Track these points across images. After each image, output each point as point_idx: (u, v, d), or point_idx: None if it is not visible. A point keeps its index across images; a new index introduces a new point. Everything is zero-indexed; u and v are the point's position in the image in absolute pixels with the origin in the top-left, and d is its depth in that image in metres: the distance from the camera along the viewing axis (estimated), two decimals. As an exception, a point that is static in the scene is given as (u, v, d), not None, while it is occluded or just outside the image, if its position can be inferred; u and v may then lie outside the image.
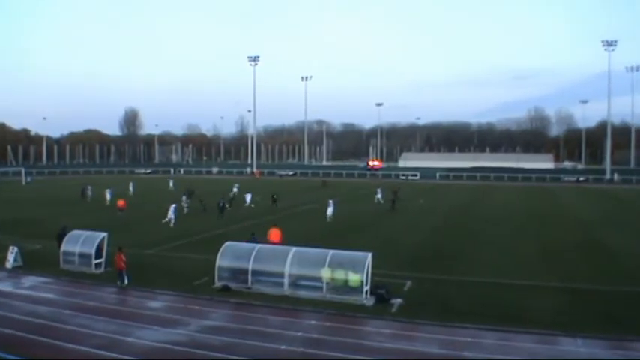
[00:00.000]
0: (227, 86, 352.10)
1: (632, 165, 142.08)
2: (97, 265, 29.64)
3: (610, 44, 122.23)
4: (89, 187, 74.12)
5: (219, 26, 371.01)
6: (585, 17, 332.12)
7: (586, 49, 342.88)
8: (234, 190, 72.74)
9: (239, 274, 26.30)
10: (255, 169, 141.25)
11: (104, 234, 30.49)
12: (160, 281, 27.41)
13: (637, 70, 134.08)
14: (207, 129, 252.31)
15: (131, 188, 77.88)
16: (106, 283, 27.35)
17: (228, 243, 28.06)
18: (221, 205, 53.18)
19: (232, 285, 26.10)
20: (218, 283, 26.42)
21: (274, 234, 33.61)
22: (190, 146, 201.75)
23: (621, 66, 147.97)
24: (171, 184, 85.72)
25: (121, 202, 57.18)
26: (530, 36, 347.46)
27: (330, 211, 50.12)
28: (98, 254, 29.76)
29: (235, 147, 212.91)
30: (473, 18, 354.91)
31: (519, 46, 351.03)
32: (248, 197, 62.50)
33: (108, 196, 64.30)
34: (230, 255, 26.98)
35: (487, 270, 30.94)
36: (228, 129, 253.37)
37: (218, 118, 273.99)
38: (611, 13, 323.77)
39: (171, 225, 46.01)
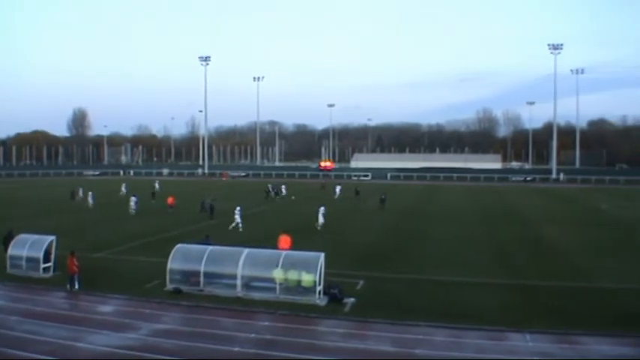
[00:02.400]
0: (178, 86, 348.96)
1: (578, 165, 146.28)
2: (46, 269, 28.89)
3: (556, 47, 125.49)
4: (80, 189, 72.76)
5: (170, 26, 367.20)
6: (532, 21, 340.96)
7: (532, 51, 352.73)
8: (156, 186, 78.57)
9: (191, 276, 26.03)
10: (223, 171, 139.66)
11: (52, 237, 29.73)
12: (111, 285, 26.89)
13: (582, 73, 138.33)
14: (157, 130, 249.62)
15: (82, 193, 76.11)
16: (55, 288, 26.67)
17: (179, 245, 27.75)
18: (207, 205, 53.96)
19: (184, 288, 25.82)
20: (170, 286, 26.10)
21: (284, 241, 31.42)
22: (140, 147, 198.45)
23: (567, 68, 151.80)
24: (157, 186, 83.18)
25: (170, 199, 59.46)
26: (477, 39, 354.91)
27: (320, 219, 46.01)
28: (46, 258, 29.00)
29: (186, 148, 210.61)
30: (422, 20, 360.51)
31: (467, 49, 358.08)
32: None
33: (90, 200, 62.79)
34: (182, 257, 26.67)
35: (438, 268, 31.43)
36: (178, 130, 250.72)
37: (169, 119, 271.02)
38: (557, 17, 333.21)
39: (240, 229, 44.50)
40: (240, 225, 45.00)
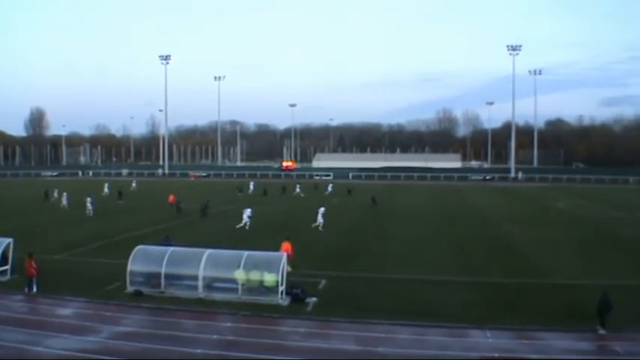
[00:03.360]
0: (138, 85, 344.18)
1: (536, 164, 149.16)
2: (2, 272, 28.23)
3: (514, 48, 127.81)
4: (55, 190, 71.08)
5: (130, 23, 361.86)
6: (491, 22, 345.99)
7: (492, 53, 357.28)
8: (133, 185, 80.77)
9: (152, 278, 25.74)
10: (190, 172, 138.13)
11: (9, 240, 29.01)
12: (71, 288, 26.38)
13: (540, 74, 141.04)
14: (116, 129, 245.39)
15: (56, 193, 74.39)
16: (13, 291, 26.04)
17: (140, 247, 27.41)
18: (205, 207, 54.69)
19: (145, 290, 25.52)
20: (130, 289, 25.77)
21: (285, 248, 29.83)
22: (99, 147, 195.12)
23: (525, 69, 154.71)
24: (134, 184, 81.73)
25: (171, 197, 60.65)
26: (438, 40, 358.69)
27: (319, 219, 46.03)
28: (3, 261, 28.35)
29: (146, 148, 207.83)
30: (384, 20, 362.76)
31: (428, 50, 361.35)
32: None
33: (64, 201, 61.74)
34: (142, 259, 26.34)
35: (399, 267, 31.76)
36: (138, 129, 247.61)
37: (128, 118, 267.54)
38: (516, 18, 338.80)
39: (247, 228, 45.09)
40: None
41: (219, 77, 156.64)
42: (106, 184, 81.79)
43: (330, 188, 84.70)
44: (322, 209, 47.43)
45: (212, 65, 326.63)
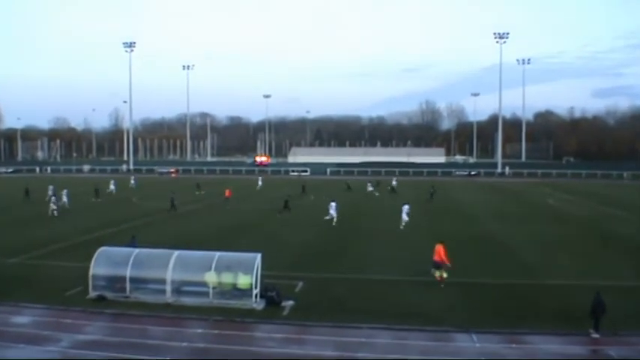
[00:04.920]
0: (100, 75, 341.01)
1: (524, 158, 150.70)
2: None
3: (501, 36, 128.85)
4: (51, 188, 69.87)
5: (90, 9, 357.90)
6: (477, 9, 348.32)
7: (477, 41, 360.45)
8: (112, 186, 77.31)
9: (116, 282, 25.53)
10: (172, 168, 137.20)
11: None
12: (27, 294, 26.03)
13: (528, 63, 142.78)
14: (77, 123, 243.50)
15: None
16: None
17: (103, 248, 27.16)
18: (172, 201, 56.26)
19: (109, 295, 25.30)
20: (93, 294, 25.53)
21: (438, 252, 29.25)
22: (58, 141, 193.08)
23: (513, 59, 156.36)
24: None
25: (227, 192, 67.28)
26: (421, 28, 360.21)
27: (333, 213, 48.43)
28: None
29: (110, 142, 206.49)
30: (363, 8, 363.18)
31: (410, 38, 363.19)
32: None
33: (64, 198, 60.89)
34: (106, 261, 26.11)
35: (380, 267, 31.90)
36: (101, 122, 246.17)
37: (90, 111, 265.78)
38: (503, 5, 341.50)
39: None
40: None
41: (188, 66, 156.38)
42: (112, 181, 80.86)
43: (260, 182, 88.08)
44: (333, 204, 49.47)
45: (180, 54, 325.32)
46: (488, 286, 28.19)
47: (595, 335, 20.61)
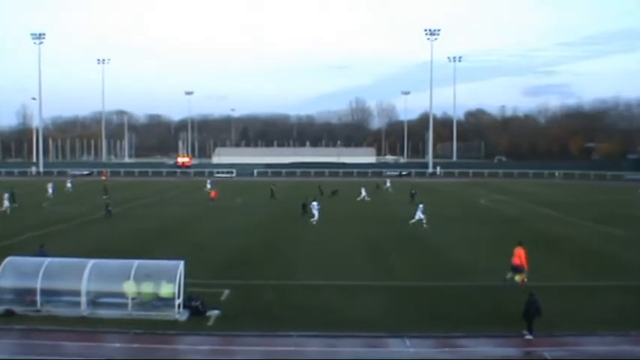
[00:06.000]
0: (6, 69, 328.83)
1: (455, 157, 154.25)
2: None
3: (432, 33, 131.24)
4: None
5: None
6: (408, 5, 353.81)
7: (408, 38, 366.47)
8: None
9: (25, 295, 24.70)
10: (102, 170, 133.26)
11: None
12: None
13: (459, 61, 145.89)
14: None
15: None
16: None
17: (10, 258, 26.23)
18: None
19: (17, 309, 24.46)
20: (-1, 308, 24.70)
21: (518, 255, 29.45)
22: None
23: (444, 56, 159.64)
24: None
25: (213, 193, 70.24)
26: (350, 24, 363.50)
27: (315, 213, 51.41)
28: None
29: (17, 142, 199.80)
30: (290, 3, 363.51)
31: (339, 34, 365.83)
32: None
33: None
34: (13, 273, 25.24)
35: (310, 272, 32.06)
36: (7, 120, 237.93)
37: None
38: (434, 2, 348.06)
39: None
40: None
41: (104, 60, 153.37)
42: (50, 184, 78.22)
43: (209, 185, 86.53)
44: (315, 203, 52.38)
45: (95, 46, 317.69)
46: (421, 288, 28.71)
47: (529, 337, 21.23)
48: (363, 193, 72.91)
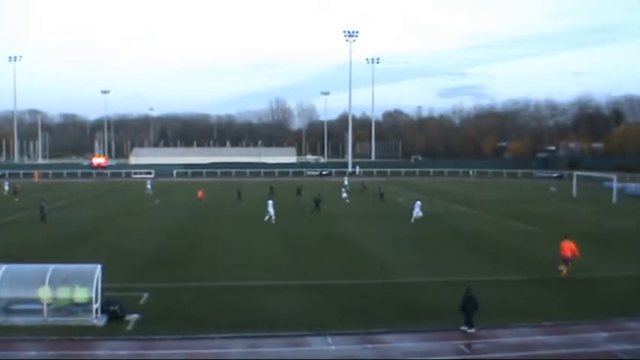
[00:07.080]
0: None
1: (373, 157, 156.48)
2: None
3: (351, 35, 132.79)
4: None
5: None
6: (327, 6, 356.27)
7: (328, 39, 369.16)
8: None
9: None
10: (36, 171, 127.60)
11: None
12: None
13: (377, 62, 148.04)
14: None
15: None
16: None
17: None
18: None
19: None
20: None
21: (567, 247, 31.00)
22: None
23: (363, 57, 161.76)
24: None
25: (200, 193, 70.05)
26: (271, 23, 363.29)
27: (270, 211, 51.50)
28: None
29: None
30: (210, 2, 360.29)
31: (260, 34, 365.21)
32: None
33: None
34: None
35: (230, 273, 31.97)
36: None
37: None
38: (353, 3, 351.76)
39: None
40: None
41: (15, 57, 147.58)
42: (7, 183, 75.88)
43: (149, 186, 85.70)
44: (270, 202, 52.82)
45: (5, 43, 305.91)
46: (342, 286, 29.02)
47: (470, 330, 21.76)
48: (345, 194, 75.04)
